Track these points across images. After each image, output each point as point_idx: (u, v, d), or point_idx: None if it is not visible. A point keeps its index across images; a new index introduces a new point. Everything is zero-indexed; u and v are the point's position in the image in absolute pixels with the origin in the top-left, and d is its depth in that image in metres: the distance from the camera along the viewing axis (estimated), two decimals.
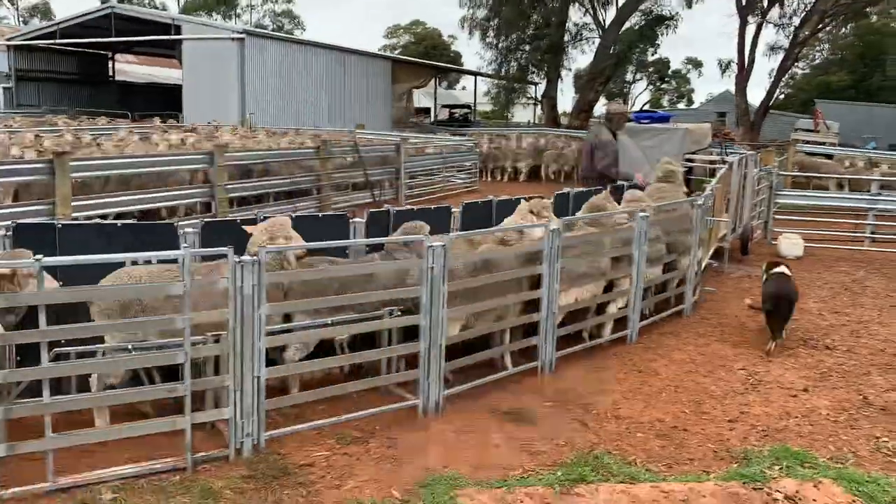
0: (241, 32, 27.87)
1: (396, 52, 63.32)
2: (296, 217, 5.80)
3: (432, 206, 6.72)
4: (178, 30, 28.68)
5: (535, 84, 41.87)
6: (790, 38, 34.44)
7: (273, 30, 57.80)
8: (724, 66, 48.15)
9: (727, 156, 11.83)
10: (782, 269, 7.12)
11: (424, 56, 55.41)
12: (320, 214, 6.24)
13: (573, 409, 5.11)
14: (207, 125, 20.71)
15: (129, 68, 42.41)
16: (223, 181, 10.52)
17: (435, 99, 49.80)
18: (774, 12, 34.35)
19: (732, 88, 39.17)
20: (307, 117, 27.33)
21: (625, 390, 5.51)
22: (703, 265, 8.41)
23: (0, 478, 3.61)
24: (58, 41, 31.39)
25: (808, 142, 27.23)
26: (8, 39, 33.58)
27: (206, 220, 5.48)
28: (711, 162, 11.98)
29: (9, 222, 4.67)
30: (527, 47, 36.53)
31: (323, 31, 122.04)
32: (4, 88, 32.09)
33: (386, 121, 34.12)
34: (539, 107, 43.14)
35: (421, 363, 4.78)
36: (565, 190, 8.55)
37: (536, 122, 42.66)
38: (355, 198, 13.62)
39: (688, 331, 7.11)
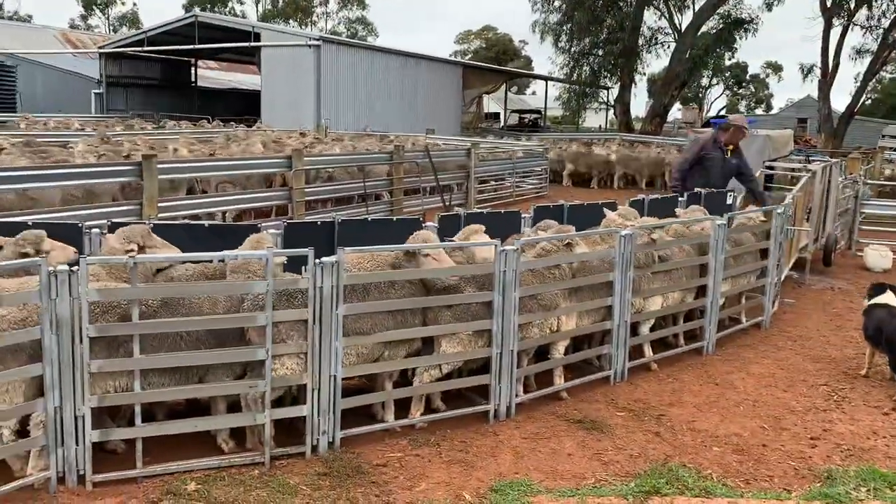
0: (318, 39, 28.51)
1: (467, 57, 63.62)
2: (371, 221, 5.92)
3: (502, 210, 6.71)
4: (257, 37, 29.56)
5: (608, 88, 41.34)
6: (879, 40, 32.96)
7: (347, 36, 58.96)
8: (806, 71, 46.40)
9: (810, 163, 11.41)
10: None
11: (495, 61, 55.51)
12: (395, 219, 6.32)
13: (647, 420, 5.03)
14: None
15: (210, 74, 43.95)
16: (301, 185, 10.78)
17: (505, 104, 49.79)
18: (861, 14, 32.94)
19: (814, 93, 37.86)
20: (380, 122, 27.72)
21: (700, 403, 5.39)
22: (783, 276, 8.14)
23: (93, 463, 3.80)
24: (145, 48, 32.81)
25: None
26: (100, 47, 35.31)
27: (288, 221, 5.65)
28: (793, 170, 11.58)
29: (104, 221, 4.92)
30: (600, 51, 36.11)
31: (396, 37, 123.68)
32: (96, 94, 33.74)
33: (456, 126, 34.32)
34: (611, 112, 42.58)
35: (492, 368, 4.79)
36: (640, 196, 8.42)
37: (608, 127, 42.12)
38: (426, 202, 13.74)
39: (766, 344, 6.90)
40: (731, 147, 8.63)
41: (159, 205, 8.73)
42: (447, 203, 13.89)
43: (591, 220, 6.31)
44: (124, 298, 3.78)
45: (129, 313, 3.76)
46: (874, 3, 32.36)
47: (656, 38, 37.56)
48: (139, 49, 33.12)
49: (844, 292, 9.11)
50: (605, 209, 6.43)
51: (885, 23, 32.46)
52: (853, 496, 3.93)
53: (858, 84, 34.76)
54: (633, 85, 37.30)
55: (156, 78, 37.17)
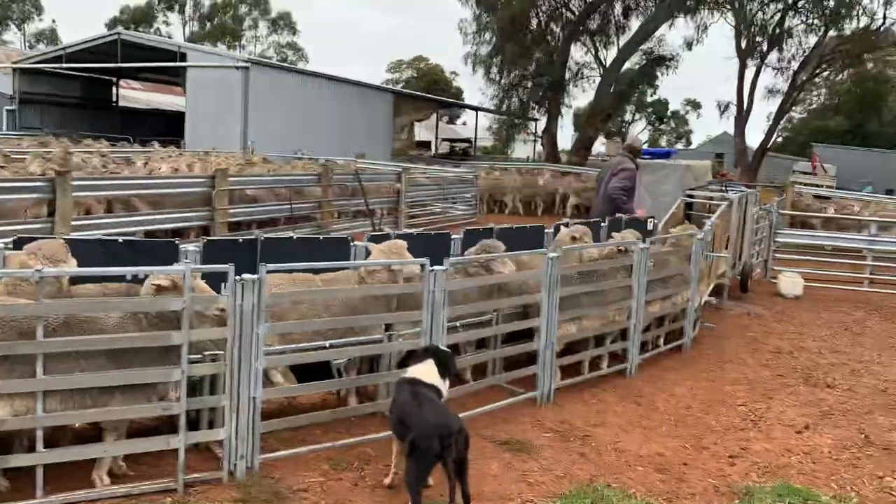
0: (246, 62, 28.13)
1: (399, 86, 63.99)
2: (297, 239, 5.80)
3: (432, 232, 6.70)
4: (183, 57, 28.94)
5: (536, 120, 42.23)
6: (789, 81, 34.88)
7: (278, 61, 58.44)
8: (723, 108, 48.59)
9: (728, 193, 11.87)
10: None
11: (426, 91, 55.95)
12: (321, 237, 6.21)
13: (572, 440, 5.04)
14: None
15: (133, 94, 42.72)
16: (223, 205, 10.51)
17: (437, 132, 50.19)
18: (773, 56, 34.82)
19: (731, 130, 39.56)
20: (310, 147, 27.45)
21: (624, 423, 5.44)
22: (702, 301, 8.38)
23: None
24: (63, 65, 31.63)
25: (805, 184, 27.48)
26: (15, 62, 33.83)
27: (207, 238, 5.46)
28: (712, 199, 12.01)
29: (9, 239, 4.63)
30: (528, 84, 36.88)
31: (326, 64, 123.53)
32: (8, 111, 32.23)
33: (387, 152, 34.30)
34: (539, 143, 43.45)
35: None
36: (564, 220, 8.57)
37: (536, 157, 42.94)
38: (355, 225, 13.62)
39: (687, 366, 7.06)
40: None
41: (73, 223, 8.35)
42: (377, 227, 13.79)
43: (519, 243, 6.35)
44: (28, 315, 3.54)
45: (30, 331, 3.52)
46: (784, 47, 34.29)
47: (582, 73, 38.64)
48: (57, 66, 31.91)
49: (760, 317, 9.45)
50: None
51: (795, 65, 34.40)
52: None
53: (771, 122, 36.60)
54: (560, 117, 38.23)
55: (75, 96, 35.78)
